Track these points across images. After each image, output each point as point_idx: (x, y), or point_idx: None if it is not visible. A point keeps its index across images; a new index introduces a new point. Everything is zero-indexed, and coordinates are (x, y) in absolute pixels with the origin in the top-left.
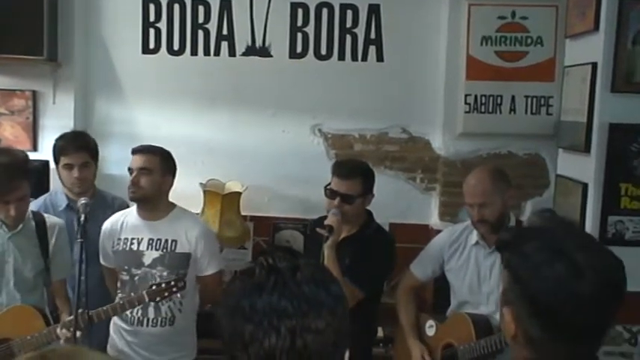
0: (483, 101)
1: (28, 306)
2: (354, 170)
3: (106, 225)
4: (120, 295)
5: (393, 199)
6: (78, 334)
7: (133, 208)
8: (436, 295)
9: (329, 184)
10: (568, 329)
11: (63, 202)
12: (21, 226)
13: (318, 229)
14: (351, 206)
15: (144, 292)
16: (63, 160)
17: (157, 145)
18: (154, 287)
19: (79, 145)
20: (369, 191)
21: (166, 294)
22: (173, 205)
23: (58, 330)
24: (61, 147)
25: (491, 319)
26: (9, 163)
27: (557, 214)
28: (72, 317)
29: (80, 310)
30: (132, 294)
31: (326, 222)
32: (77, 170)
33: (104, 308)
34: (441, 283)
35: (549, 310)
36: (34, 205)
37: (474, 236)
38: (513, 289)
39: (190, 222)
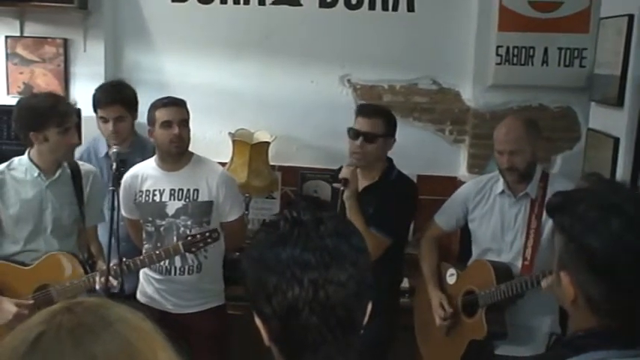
0: (515, 53)
1: (67, 253)
2: (377, 110)
3: (126, 178)
4: (146, 246)
5: (421, 151)
6: (115, 282)
7: (151, 160)
8: (462, 245)
9: (352, 126)
10: (628, 284)
11: (104, 150)
12: (58, 174)
13: (334, 184)
14: (373, 146)
15: (179, 243)
16: (99, 113)
17: (180, 96)
18: (189, 238)
19: (112, 99)
20: (391, 134)
21: (201, 245)
22: (191, 154)
23: (97, 278)
24: (97, 99)
25: (512, 266)
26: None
27: (603, 176)
28: (109, 266)
29: (116, 260)
30: (158, 244)
31: (340, 175)
32: (111, 124)
33: (140, 257)
34: (467, 234)
35: (608, 266)
36: (78, 150)
37: (500, 185)
38: (568, 250)
39: (209, 170)
